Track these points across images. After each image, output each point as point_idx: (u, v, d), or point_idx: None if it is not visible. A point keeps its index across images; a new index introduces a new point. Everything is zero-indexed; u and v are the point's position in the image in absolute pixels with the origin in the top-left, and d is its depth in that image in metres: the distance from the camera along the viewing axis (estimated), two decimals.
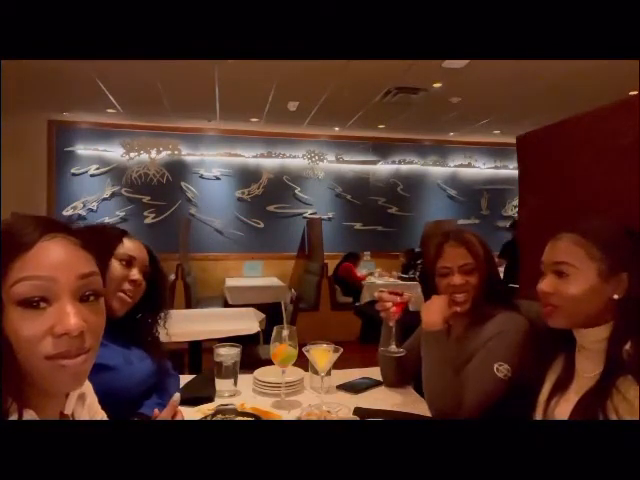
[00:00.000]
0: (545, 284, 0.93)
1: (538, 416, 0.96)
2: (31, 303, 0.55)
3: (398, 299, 1.32)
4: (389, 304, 1.32)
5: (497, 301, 1.27)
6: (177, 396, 0.99)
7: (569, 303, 0.89)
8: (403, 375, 1.47)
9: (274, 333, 1.34)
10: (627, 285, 0.87)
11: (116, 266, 1.15)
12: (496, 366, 1.15)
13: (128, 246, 1.20)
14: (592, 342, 0.89)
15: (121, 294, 1.15)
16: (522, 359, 1.13)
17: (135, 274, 1.19)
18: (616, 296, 0.87)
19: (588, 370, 0.89)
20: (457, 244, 1.30)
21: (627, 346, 0.83)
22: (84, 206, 5.62)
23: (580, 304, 0.88)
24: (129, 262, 1.18)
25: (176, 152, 5.86)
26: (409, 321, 1.38)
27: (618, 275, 0.87)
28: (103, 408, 0.84)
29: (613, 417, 0.79)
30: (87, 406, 0.75)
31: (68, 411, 0.66)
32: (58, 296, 0.56)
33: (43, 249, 0.57)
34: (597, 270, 0.87)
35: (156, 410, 0.99)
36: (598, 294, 0.87)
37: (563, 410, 0.90)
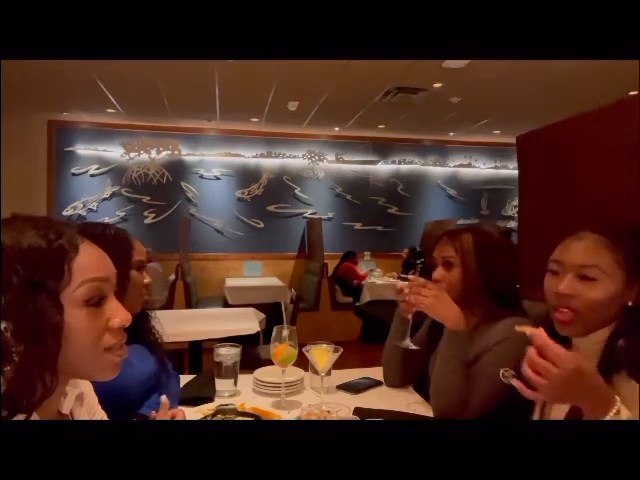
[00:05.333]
0: (566, 286, 0.87)
1: (535, 418, 0.96)
2: (93, 301, 0.60)
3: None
4: (414, 288, 1.25)
5: (505, 304, 1.25)
6: (163, 398, 0.99)
7: (590, 309, 0.85)
8: (407, 373, 1.46)
9: (274, 333, 1.33)
10: (638, 294, 0.85)
11: (135, 275, 1.16)
12: (502, 372, 1.14)
13: (138, 250, 1.20)
14: (589, 344, 0.88)
15: (141, 297, 1.19)
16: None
17: (147, 277, 1.21)
18: (630, 303, 0.85)
19: None
20: (448, 239, 1.31)
21: (620, 341, 0.83)
22: (84, 206, 5.62)
23: (601, 310, 0.85)
24: (140, 267, 1.19)
25: (176, 152, 5.86)
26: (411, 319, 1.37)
27: (634, 283, 0.86)
28: (103, 409, 0.84)
29: None
30: (86, 406, 0.75)
31: (66, 410, 0.66)
32: (109, 293, 0.63)
33: (90, 252, 0.62)
34: (622, 277, 0.85)
35: (153, 412, 0.99)
36: (618, 301, 0.85)
37: (559, 412, 0.89)
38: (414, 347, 1.31)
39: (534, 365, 0.72)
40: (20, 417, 0.54)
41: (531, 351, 0.73)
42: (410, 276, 1.29)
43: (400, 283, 1.29)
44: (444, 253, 1.30)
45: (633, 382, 0.78)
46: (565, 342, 0.93)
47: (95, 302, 0.60)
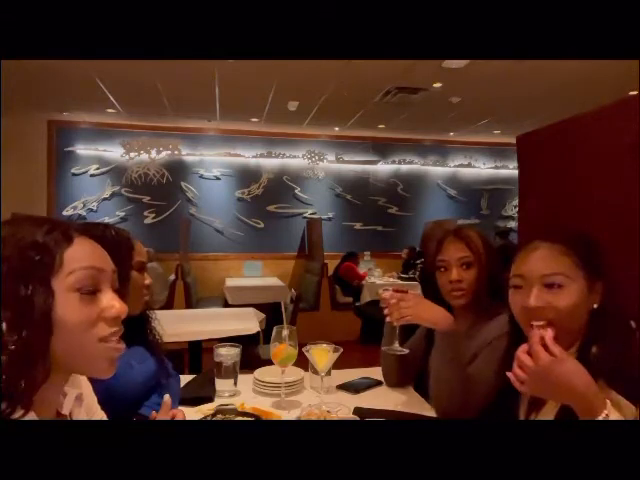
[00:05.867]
0: (536, 298, 0.85)
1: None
2: (86, 290, 0.60)
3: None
4: (394, 301, 1.28)
5: (501, 300, 1.26)
6: (167, 397, 0.99)
7: (563, 317, 0.84)
8: (405, 374, 1.46)
9: (274, 333, 1.33)
10: (601, 295, 0.86)
11: (136, 276, 1.16)
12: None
13: (138, 251, 1.19)
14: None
15: (142, 298, 1.19)
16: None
17: (147, 278, 1.20)
18: (595, 305, 0.85)
19: None
20: (456, 239, 1.32)
21: (593, 350, 0.82)
22: (84, 206, 5.62)
23: (573, 317, 0.85)
24: (141, 268, 1.19)
25: (176, 152, 5.86)
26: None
27: (596, 284, 0.86)
28: (103, 410, 0.84)
29: None
30: (85, 407, 0.75)
31: (66, 411, 0.66)
32: (104, 285, 0.63)
33: (84, 243, 0.63)
34: (584, 278, 0.85)
35: (153, 412, 0.99)
36: (585, 305, 0.85)
37: (546, 416, 0.88)
38: (403, 352, 1.30)
39: (518, 359, 0.78)
40: (19, 412, 0.54)
41: (523, 346, 0.79)
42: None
43: (384, 293, 1.29)
44: (460, 254, 1.29)
45: (613, 392, 0.76)
46: None
47: (88, 291, 0.60)
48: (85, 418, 0.75)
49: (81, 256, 0.61)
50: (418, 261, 5.53)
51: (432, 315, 1.22)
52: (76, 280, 0.59)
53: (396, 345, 1.31)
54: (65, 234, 0.60)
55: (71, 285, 0.59)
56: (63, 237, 0.60)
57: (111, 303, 0.62)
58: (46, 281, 0.57)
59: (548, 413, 0.87)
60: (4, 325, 0.54)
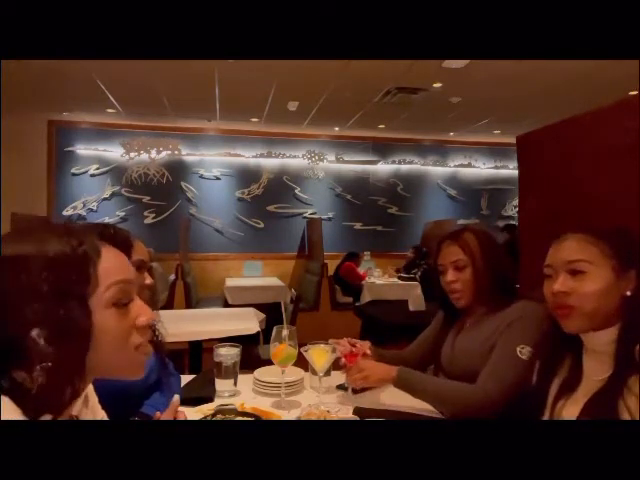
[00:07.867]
0: (560, 284, 0.90)
1: (545, 418, 0.95)
2: (121, 303, 0.61)
3: (354, 350, 1.34)
4: (339, 354, 1.33)
5: (507, 292, 1.30)
6: (176, 397, 0.99)
7: (586, 302, 0.87)
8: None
9: (274, 333, 1.33)
10: (635, 283, 0.87)
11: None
12: (519, 349, 1.17)
13: (137, 250, 1.16)
14: (601, 345, 0.88)
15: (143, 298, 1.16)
16: (541, 343, 1.14)
17: (147, 278, 1.19)
18: (629, 293, 0.87)
19: (597, 373, 0.88)
20: (451, 242, 1.35)
21: (639, 346, 0.82)
22: (84, 206, 5.62)
23: (597, 303, 0.87)
24: (141, 267, 1.17)
25: (176, 152, 5.86)
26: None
27: (628, 272, 0.88)
28: (104, 409, 0.84)
29: (626, 417, 0.79)
30: (91, 407, 0.75)
31: (76, 412, 0.66)
32: (133, 294, 0.64)
33: (112, 255, 0.63)
34: (611, 266, 0.88)
35: (157, 413, 0.99)
36: (613, 291, 0.87)
37: (571, 412, 0.89)
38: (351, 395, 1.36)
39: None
40: (47, 417, 0.54)
41: None
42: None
43: (332, 339, 1.37)
44: (453, 257, 1.32)
45: None
46: (577, 343, 0.93)
47: (123, 304, 0.61)
48: (90, 418, 0.75)
49: (112, 270, 0.61)
50: (422, 261, 5.52)
51: (378, 376, 1.29)
52: (112, 296, 0.60)
53: (349, 391, 1.36)
54: (93, 248, 0.60)
55: (108, 301, 0.59)
56: (93, 252, 0.60)
57: (140, 312, 0.64)
58: (83, 300, 0.57)
59: (579, 399, 0.89)
60: (41, 341, 0.53)
